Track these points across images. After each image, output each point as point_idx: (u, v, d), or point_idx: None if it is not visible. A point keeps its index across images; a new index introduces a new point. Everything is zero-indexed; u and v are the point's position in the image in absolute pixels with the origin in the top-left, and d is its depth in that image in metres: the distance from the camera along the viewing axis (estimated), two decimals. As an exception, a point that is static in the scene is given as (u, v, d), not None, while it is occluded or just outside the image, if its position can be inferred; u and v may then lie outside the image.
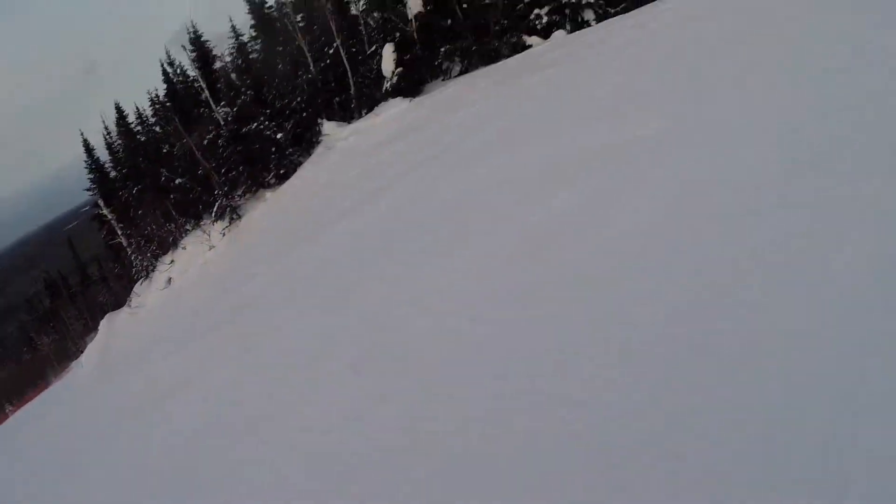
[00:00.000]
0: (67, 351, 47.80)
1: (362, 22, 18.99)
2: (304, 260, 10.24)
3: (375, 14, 18.72)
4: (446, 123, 12.49)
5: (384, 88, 16.98)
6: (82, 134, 26.86)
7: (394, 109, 16.09)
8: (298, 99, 18.73)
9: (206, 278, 18.56)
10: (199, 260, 19.93)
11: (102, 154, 27.18)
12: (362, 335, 5.33)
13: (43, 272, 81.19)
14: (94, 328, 26.67)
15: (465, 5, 16.84)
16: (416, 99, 15.95)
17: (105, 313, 24.90)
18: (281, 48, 19.74)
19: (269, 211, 17.55)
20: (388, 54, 17.03)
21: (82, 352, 27.57)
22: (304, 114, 18.65)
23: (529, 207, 5.74)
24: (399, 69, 16.69)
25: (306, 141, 18.33)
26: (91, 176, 27.15)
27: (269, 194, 18.35)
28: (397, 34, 17.49)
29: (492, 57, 16.10)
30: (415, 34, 17.23)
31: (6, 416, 43.96)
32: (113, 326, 24.30)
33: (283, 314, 8.17)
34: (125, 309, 24.04)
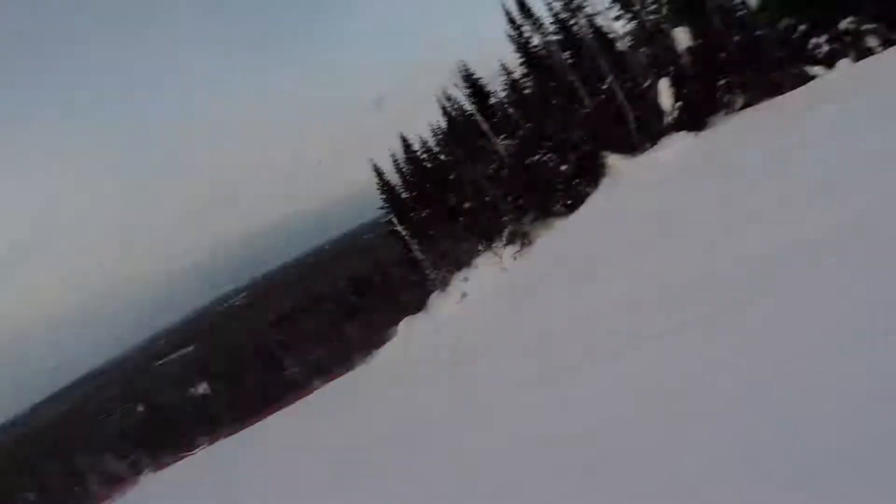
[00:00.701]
0: (372, 340, 57.44)
1: (629, 57, 21.46)
2: (601, 295, 12.18)
3: (643, 49, 21.00)
4: (740, 158, 14.66)
5: (665, 122, 19.43)
6: (372, 160, 32.60)
7: (678, 143, 18.67)
8: (579, 132, 21.77)
9: (499, 297, 22.45)
10: (492, 279, 23.95)
11: (391, 178, 32.61)
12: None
13: (349, 270, 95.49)
14: (395, 324, 32.12)
15: (736, 37, 18.63)
16: (702, 133, 18.12)
17: (406, 313, 29.75)
18: (554, 84, 22.90)
19: (559, 238, 21.10)
20: (665, 89, 19.65)
21: (385, 342, 33.09)
22: (587, 147, 21.68)
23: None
24: (678, 103, 19.15)
25: (592, 173, 21.38)
26: (383, 196, 32.77)
27: (557, 222, 21.86)
28: (671, 68, 19.75)
29: (774, 89, 17.98)
30: (689, 68, 19.37)
31: (312, 390, 53.91)
32: (411, 330, 29.20)
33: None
34: (421, 315, 28.80)
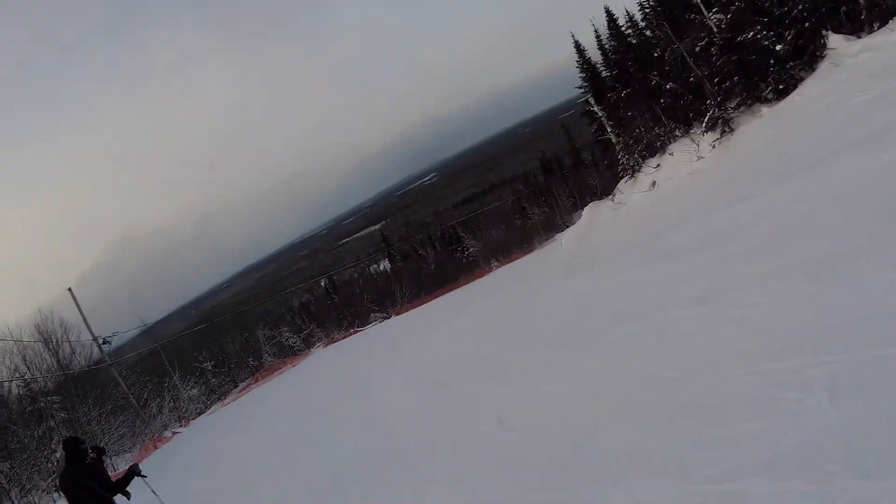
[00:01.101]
0: (554, 223, 59.83)
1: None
2: (802, 195, 10.77)
3: None
4: None
5: (903, -1, 17.98)
6: (573, 36, 32.69)
7: (917, 26, 17.13)
8: (799, 7, 20.57)
9: (691, 189, 22.35)
10: (686, 168, 23.82)
11: (594, 54, 32.65)
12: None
13: (539, 152, 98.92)
14: (582, 206, 32.67)
15: None
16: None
17: (593, 197, 30.24)
18: (781, -50, 21.55)
19: (765, 127, 20.43)
20: (908, -43, 17.84)
21: (567, 226, 33.82)
22: (806, 24, 20.54)
23: None
24: (921, -25, 17.51)
25: (809, 54, 20.36)
26: (582, 75, 33.03)
27: (765, 109, 21.24)
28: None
29: None
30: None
31: (491, 269, 57.29)
32: (595, 216, 29.84)
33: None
34: (608, 202, 29.15)
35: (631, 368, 7.24)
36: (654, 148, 27.05)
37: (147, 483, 8.93)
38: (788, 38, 21.31)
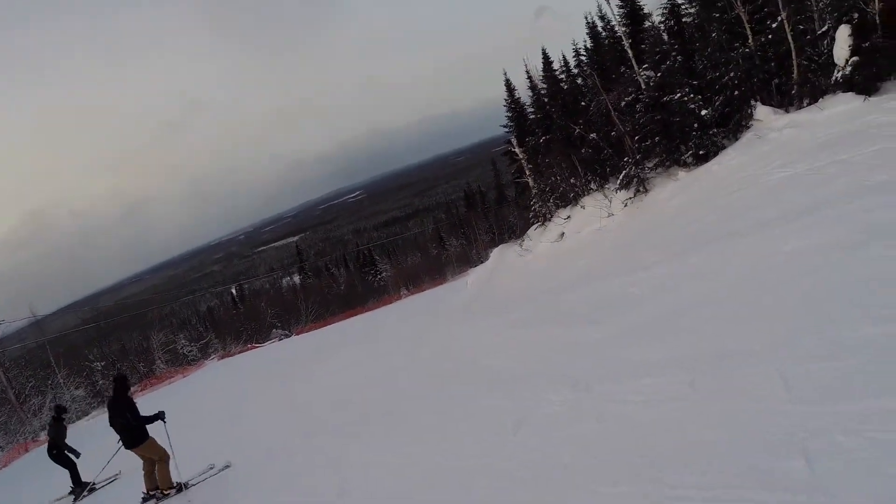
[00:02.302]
0: (469, 257, 58.91)
1: (812, -3, 19.11)
2: (701, 274, 10.63)
3: None
4: None
5: (833, 79, 17.36)
6: (505, 73, 31.82)
7: (842, 106, 16.60)
8: (731, 74, 19.77)
9: (596, 245, 21.27)
10: (596, 224, 22.72)
11: (525, 95, 31.66)
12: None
13: (465, 183, 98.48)
14: (499, 243, 31.62)
15: None
16: (872, 99, 15.95)
17: (510, 235, 29.05)
18: (717, 14, 20.71)
19: (679, 192, 19.46)
20: (843, 38, 17.35)
21: (480, 262, 32.60)
22: (736, 92, 19.75)
23: None
24: (854, 58, 16.93)
25: (734, 123, 19.53)
26: (509, 114, 31.85)
27: (682, 173, 20.20)
28: (855, 15, 17.36)
29: None
30: (877, 18, 16.97)
31: (399, 297, 56.29)
32: (502, 258, 28.93)
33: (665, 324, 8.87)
34: (516, 246, 28.02)
35: (471, 452, 6.95)
36: (568, 198, 25.83)
37: (166, 428, 10.51)
38: (716, 104, 20.40)
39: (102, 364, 50.91)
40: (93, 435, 17.83)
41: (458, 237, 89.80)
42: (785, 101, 19.34)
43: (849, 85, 17.03)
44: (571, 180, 25.86)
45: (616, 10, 26.11)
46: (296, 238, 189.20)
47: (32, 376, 38.13)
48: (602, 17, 28.30)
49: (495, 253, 30.58)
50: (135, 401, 10.43)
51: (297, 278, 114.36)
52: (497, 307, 19.77)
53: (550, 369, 8.96)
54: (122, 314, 72.87)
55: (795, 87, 18.84)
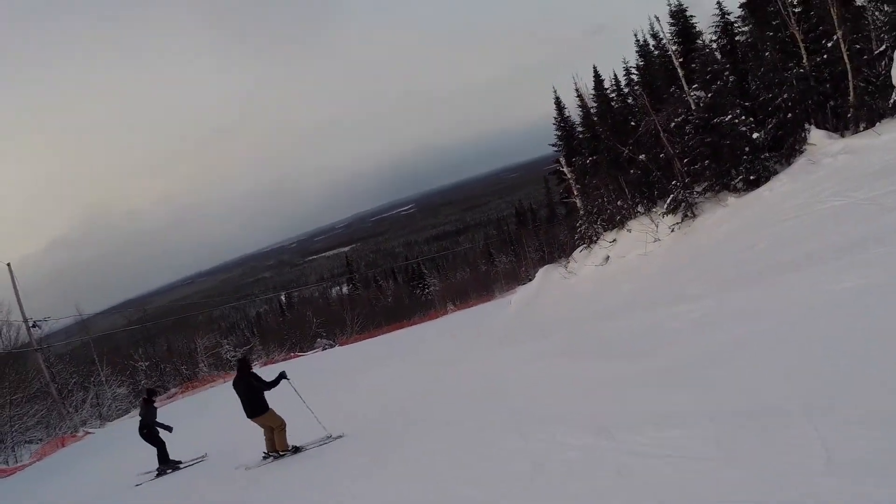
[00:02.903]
0: (517, 274, 58.45)
1: (870, 14, 18.24)
2: (744, 312, 10.03)
3: (886, 7, 17.78)
4: None
5: (892, 101, 16.51)
6: (555, 91, 31.20)
7: (904, 131, 15.54)
8: (785, 96, 19.00)
9: (640, 271, 20.68)
10: (641, 248, 22.04)
11: (575, 114, 31.12)
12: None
13: (516, 200, 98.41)
14: (549, 261, 31.10)
15: None
16: (935, 124, 15.11)
17: (560, 254, 28.49)
18: (771, 34, 19.97)
19: (728, 218, 18.76)
20: (904, 60, 16.25)
21: (528, 280, 32.07)
22: (789, 114, 18.97)
23: None
24: (914, 81, 15.89)
25: (787, 147, 18.76)
26: (558, 133, 31.28)
27: (731, 199, 19.47)
28: (918, 34, 16.55)
29: None
30: (942, 38, 16.16)
31: (446, 312, 55.96)
32: (548, 279, 28.35)
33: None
34: (562, 268, 27.45)
35: (484, 498, 6.41)
36: (614, 221, 25.22)
37: (291, 384, 11.82)
38: (769, 126, 19.65)
39: (147, 364, 51.58)
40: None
41: (508, 254, 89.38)
42: (840, 124, 18.52)
43: (909, 108, 16.24)
44: (618, 202, 25.26)
45: (668, 27, 25.49)
46: (347, 248, 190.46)
47: (76, 372, 38.20)
48: (654, 36, 27.62)
49: (541, 273, 30.00)
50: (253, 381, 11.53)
51: (345, 289, 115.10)
52: (537, 331, 19.36)
53: (576, 410, 8.50)
54: (168, 317, 73.96)
55: (851, 109, 18.01)
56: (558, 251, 40.31)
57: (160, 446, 13.74)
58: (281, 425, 11.45)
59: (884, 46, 17.73)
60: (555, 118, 32.36)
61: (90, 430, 28.02)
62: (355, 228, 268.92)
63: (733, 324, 9.70)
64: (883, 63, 17.72)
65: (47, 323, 33.40)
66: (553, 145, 32.99)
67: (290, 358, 48.83)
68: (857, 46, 18.47)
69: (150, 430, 13.80)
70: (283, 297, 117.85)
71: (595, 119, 29.70)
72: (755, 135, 19.47)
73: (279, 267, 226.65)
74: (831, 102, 18.92)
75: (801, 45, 19.35)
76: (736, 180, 19.85)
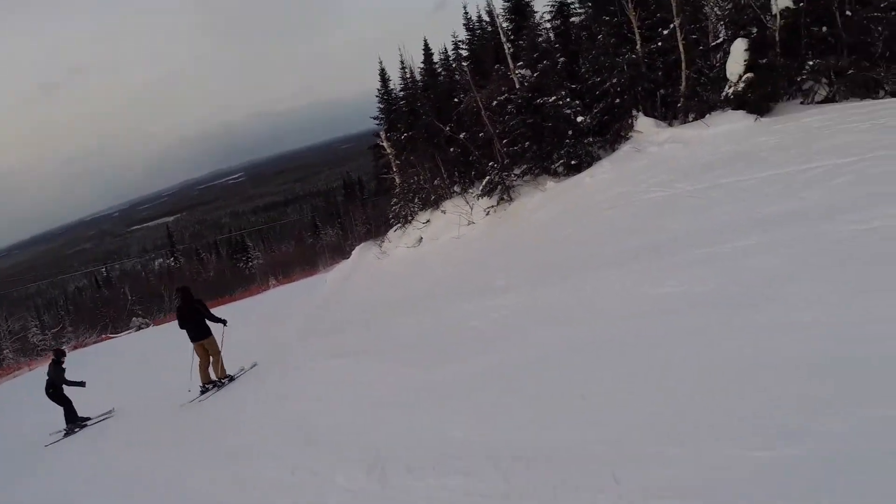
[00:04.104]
0: (343, 248, 55.49)
1: (709, 5, 16.91)
2: (547, 316, 8.72)
3: (723, 2, 16.62)
4: (805, 162, 10.33)
5: (724, 94, 15.16)
6: (381, 62, 28.22)
7: (730, 125, 14.40)
8: (614, 80, 17.25)
9: (451, 257, 18.78)
10: (454, 231, 19.90)
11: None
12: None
13: (345, 172, 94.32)
14: (376, 236, 28.54)
15: (848, 13, 14.14)
16: (764, 119, 13.79)
17: (390, 227, 25.96)
18: (607, 18, 18.23)
19: (545, 204, 16.93)
20: (738, 52, 15.08)
21: (348, 257, 29.37)
22: (618, 99, 17.24)
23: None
24: (748, 74, 14.73)
25: (612, 133, 17.03)
26: (381, 105, 28.49)
27: (550, 183, 17.61)
28: (754, 29, 15.26)
29: (869, 89, 13.76)
30: (776, 34, 14.88)
31: (268, 287, 53.13)
32: (362, 259, 26.19)
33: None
34: (376, 247, 25.66)
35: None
36: (429, 201, 22.86)
37: (223, 332, 13.00)
38: (595, 111, 17.89)
39: None
40: None
41: (335, 227, 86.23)
42: (670, 113, 17.01)
43: (740, 102, 14.79)
44: (435, 182, 22.93)
45: (501, 2, 23.40)
46: (172, 218, 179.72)
47: None
48: (489, 13, 25.45)
49: (357, 251, 27.84)
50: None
51: (169, 263, 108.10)
52: (340, 319, 17.05)
53: (351, 435, 6.95)
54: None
55: (682, 99, 16.50)
56: (386, 226, 37.93)
57: (67, 405, 14.21)
58: (218, 353, 12.62)
59: (720, 39, 16.53)
60: (377, 90, 29.64)
61: None
62: (181, 197, 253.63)
63: (539, 329, 8.21)
64: (719, 56, 16.56)
65: None
66: (374, 118, 30.28)
67: (102, 340, 44.72)
68: (694, 37, 17.14)
69: (56, 390, 14.29)
70: (104, 271, 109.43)
71: (414, 93, 27.26)
72: (580, 118, 17.64)
73: (100, 237, 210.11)
74: (662, 91, 17.34)
75: (637, 30, 17.66)
76: (556, 164, 17.94)
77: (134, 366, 23.30)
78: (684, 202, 11.45)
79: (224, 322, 12.92)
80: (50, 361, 15.28)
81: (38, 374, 33.11)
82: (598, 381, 5.67)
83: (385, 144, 28.76)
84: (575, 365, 6.32)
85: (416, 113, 26.24)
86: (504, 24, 23.00)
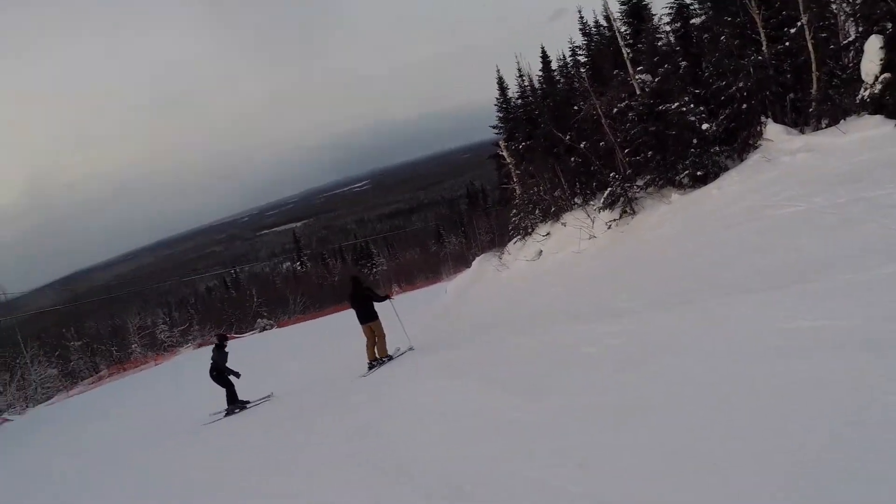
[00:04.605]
0: (466, 257, 55.98)
1: (837, 2, 15.89)
2: (665, 344, 7.75)
3: None
4: None
5: (859, 97, 14.12)
6: (498, 71, 28.50)
7: (868, 131, 13.43)
8: (740, 85, 16.56)
9: (570, 273, 18.45)
10: (574, 245, 19.74)
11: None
12: None
13: (468, 181, 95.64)
14: (498, 244, 29.30)
15: None
16: (906, 123, 12.81)
17: (513, 237, 26.06)
18: (729, 18, 17.51)
19: (670, 218, 16.36)
20: (874, 51, 14.02)
21: (470, 266, 29.71)
22: (744, 105, 16.53)
23: None
24: (885, 75, 13.71)
25: (740, 141, 16.36)
26: (500, 114, 28.75)
27: (675, 196, 17.09)
28: (888, 25, 14.13)
29: None
30: (920, 29, 13.85)
31: (391, 294, 54.17)
32: (482, 270, 26.25)
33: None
34: (496, 259, 25.87)
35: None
36: (549, 213, 22.67)
37: (395, 309, 14.84)
38: (721, 118, 17.21)
39: (80, 343, 49.02)
40: None
41: (458, 235, 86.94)
42: (801, 119, 16.12)
43: (877, 106, 13.73)
44: (556, 193, 22.73)
45: (618, 6, 22.89)
46: (299, 224, 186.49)
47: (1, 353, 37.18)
48: (607, 18, 25.00)
49: (477, 262, 27.93)
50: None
51: (295, 267, 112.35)
52: (455, 335, 16.33)
53: (429, 474, 6.19)
54: (100, 296, 71.00)
55: (814, 104, 15.58)
56: (509, 235, 37.97)
57: (229, 387, 15.05)
58: (384, 335, 13.97)
59: (853, 36, 15.40)
60: (497, 99, 29.76)
61: (9, 418, 26.72)
62: (307, 204, 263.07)
63: (652, 361, 7.24)
64: (851, 55, 15.42)
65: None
66: (493, 127, 30.41)
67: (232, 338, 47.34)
68: (823, 35, 16.07)
69: (219, 373, 15.15)
70: (234, 272, 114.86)
71: (532, 101, 27.13)
72: (705, 126, 16.97)
73: (230, 241, 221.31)
74: (791, 95, 16.43)
75: (762, 30, 16.84)
76: (681, 175, 17.36)
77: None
78: (821, 219, 10.58)
79: (389, 298, 14.64)
80: (213, 346, 16.22)
81: (156, 370, 35.42)
82: (720, 434, 4.73)
83: (504, 154, 28.85)
84: (697, 411, 5.32)
85: (534, 121, 26.16)
86: (622, 28, 22.54)
